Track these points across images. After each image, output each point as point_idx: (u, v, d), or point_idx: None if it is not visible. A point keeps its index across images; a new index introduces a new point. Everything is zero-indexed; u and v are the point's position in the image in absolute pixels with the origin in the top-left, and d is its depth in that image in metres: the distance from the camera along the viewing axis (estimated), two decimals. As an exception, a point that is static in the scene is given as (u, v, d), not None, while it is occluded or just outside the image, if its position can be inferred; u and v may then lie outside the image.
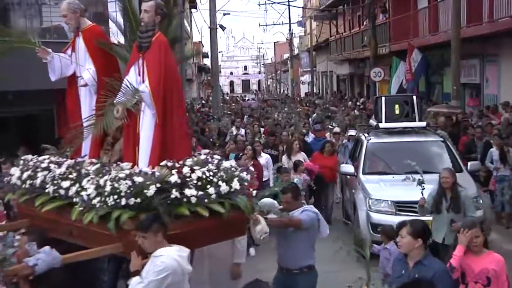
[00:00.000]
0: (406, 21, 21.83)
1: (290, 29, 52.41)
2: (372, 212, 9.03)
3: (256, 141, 12.15)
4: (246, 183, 4.99)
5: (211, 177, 4.73)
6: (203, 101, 38.84)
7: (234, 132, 14.96)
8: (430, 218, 7.55)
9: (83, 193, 4.63)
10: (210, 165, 4.87)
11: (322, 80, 47.53)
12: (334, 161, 11.40)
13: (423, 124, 10.74)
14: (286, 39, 55.90)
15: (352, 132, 13.20)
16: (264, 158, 11.01)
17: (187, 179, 4.63)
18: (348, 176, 10.52)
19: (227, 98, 48.64)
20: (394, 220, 7.63)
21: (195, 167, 4.74)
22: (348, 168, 10.43)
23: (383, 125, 10.70)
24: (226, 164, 5.00)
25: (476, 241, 4.99)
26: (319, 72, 46.65)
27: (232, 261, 6.18)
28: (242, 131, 15.42)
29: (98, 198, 4.52)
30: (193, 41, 45.74)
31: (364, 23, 27.40)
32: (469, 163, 9.83)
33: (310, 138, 13.58)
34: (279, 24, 54.06)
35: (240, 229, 5.25)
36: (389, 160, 10.09)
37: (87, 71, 5.56)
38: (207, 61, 50.72)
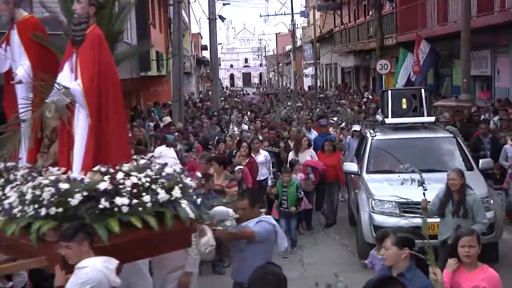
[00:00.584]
0: (413, 10, 21.35)
1: (292, 20, 51.70)
2: (375, 214, 8.50)
3: (254, 137, 11.70)
4: (191, 190, 4.71)
5: (148, 184, 4.38)
6: (201, 96, 38.25)
7: (235, 130, 14.29)
8: (438, 220, 7.25)
9: (6, 201, 4.34)
10: (149, 170, 4.52)
11: (326, 73, 46.98)
12: (337, 159, 11.01)
13: (432, 119, 10.27)
14: (289, 30, 55.27)
15: (356, 128, 12.72)
16: (262, 156, 10.72)
17: (120, 186, 4.27)
18: (353, 176, 10.04)
19: (228, 92, 48.14)
20: (398, 222, 7.30)
21: (132, 173, 4.39)
22: (351, 166, 9.97)
23: (389, 120, 10.26)
24: (168, 169, 4.65)
25: (469, 252, 4.52)
26: (323, 64, 46.11)
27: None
28: (245, 127, 14.78)
29: (20, 207, 4.23)
30: (192, 33, 45.11)
31: (370, 13, 26.91)
32: (480, 161, 9.34)
33: (312, 134, 13.04)
34: (281, 14, 53.54)
35: (185, 241, 4.88)
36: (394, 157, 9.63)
37: (22, 67, 5.19)
38: (206, 54, 50.11)
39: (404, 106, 10.27)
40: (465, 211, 6.87)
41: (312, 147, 11.42)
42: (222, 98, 32.42)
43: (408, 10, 22.04)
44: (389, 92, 10.76)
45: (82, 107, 4.62)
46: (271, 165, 10.92)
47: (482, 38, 16.38)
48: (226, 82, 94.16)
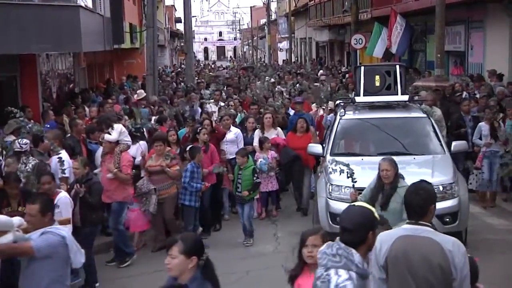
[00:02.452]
0: (389, -15, 21.17)
1: (267, -7, 51.34)
2: (331, 200, 7.88)
3: (225, 113, 11.16)
4: None
5: None
6: (179, 69, 37.57)
7: (213, 108, 13.48)
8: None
9: None
10: None
11: (300, 47, 46.83)
12: (309, 140, 9.99)
13: (406, 97, 9.61)
14: (263, 3, 54.84)
15: (331, 105, 12.18)
16: (233, 133, 10.33)
17: None
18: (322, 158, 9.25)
19: (201, 66, 47.53)
20: None
21: None
22: (315, 148, 9.21)
23: (360, 99, 9.63)
24: None
25: (312, 252, 4.05)
26: (297, 38, 45.92)
27: None
28: (221, 104, 13.92)
29: None
30: (165, 5, 44.46)
31: (345, -13, 26.68)
32: (453, 144, 8.78)
33: (292, 112, 12.37)
34: (256, -12, 52.81)
35: None
36: (362, 139, 9.20)
37: None
38: (180, 26, 49.50)
39: (377, 84, 9.67)
40: (395, 205, 6.20)
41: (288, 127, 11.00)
42: (196, 72, 32.05)
43: (383, -16, 21.97)
44: (362, 68, 10.12)
45: None
46: (242, 143, 10.34)
47: (456, 14, 16.42)
48: (200, 56, 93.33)
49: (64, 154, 7.79)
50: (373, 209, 3.77)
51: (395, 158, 8.09)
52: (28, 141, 7.85)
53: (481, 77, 14.95)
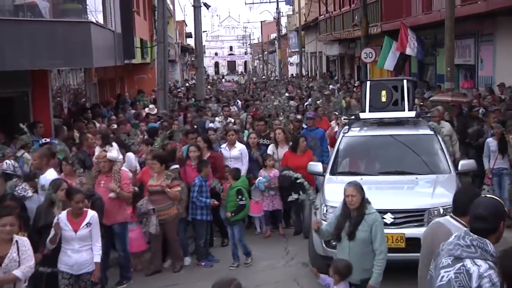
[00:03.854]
0: (398, -1, 21.23)
1: (277, 8, 51.67)
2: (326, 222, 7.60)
3: (229, 128, 10.92)
4: None
5: None
6: (187, 84, 37.70)
7: (219, 123, 13.10)
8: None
9: None
10: None
11: (311, 61, 46.91)
12: (309, 159, 9.55)
13: (412, 114, 9.25)
14: (274, 18, 55.11)
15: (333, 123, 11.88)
16: (237, 150, 10.06)
17: None
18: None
19: (211, 80, 47.74)
20: None
21: None
22: (315, 167, 8.80)
23: (364, 115, 9.30)
24: None
25: None
26: (307, 52, 46.03)
27: None
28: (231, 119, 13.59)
29: None
30: (176, 20, 44.81)
31: (355, 1, 26.79)
32: (460, 162, 8.40)
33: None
34: (266, 2, 52.82)
35: None
36: (364, 157, 8.86)
37: None
38: (190, 41, 49.87)
39: (384, 99, 9.35)
40: (363, 234, 5.75)
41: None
42: (209, 87, 32.16)
43: (393, -2, 22.03)
44: (368, 83, 9.78)
45: None
46: (247, 159, 10.07)
47: (466, 27, 16.42)
48: (211, 70, 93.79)
49: (51, 173, 7.52)
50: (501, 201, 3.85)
51: (397, 177, 8.06)
52: (16, 164, 7.77)
53: (492, 91, 14.90)
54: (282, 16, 56.50)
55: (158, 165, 8.37)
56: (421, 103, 14.13)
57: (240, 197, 8.42)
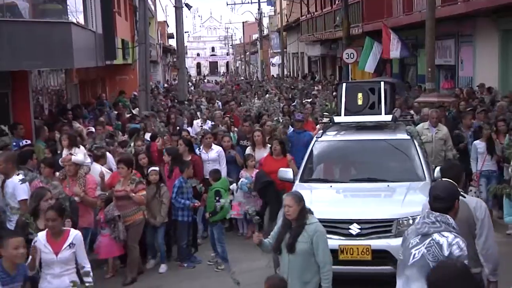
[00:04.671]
0: (379, 0, 21.36)
1: (259, 8, 51.61)
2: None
3: (206, 132, 10.67)
4: None
5: None
6: (166, 85, 37.40)
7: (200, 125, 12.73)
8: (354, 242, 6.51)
9: None
10: None
11: (293, 61, 47.01)
12: (285, 164, 9.23)
13: (389, 117, 8.71)
14: (255, 18, 55.06)
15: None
16: (215, 152, 9.96)
17: None
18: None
19: (194, 81, 47.62)
20: None
21: None
22: (286, 173, 8.35)
23: (339, 119, 8.87)
24: None
25: None
26: (289, 53, 46.13)
27: None
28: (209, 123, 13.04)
29: None
30: (158, 21, 44.61)
31: (336, 2, 26.90)
32: (436, 169, 7.66)
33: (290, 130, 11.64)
34: (248, 3, 52.79)
35: None
36: (335, 164, 8.56)
37: None
38: (172, 42, 49.65)
39: (360, 102, 8.88)
40: (303, 245, 5.40)
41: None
42: (192, 88, 31.99)
43: (374, -1, 22.17)
44: (343, 85, 9.26)
45: None
46: (225, 161, 9.97)
47: (446, 28, 16.57)
48: (193, 71, 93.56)
49: (17, 178, 6.98)
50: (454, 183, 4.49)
51: (368, 185, 7.73)
52: None
53: (472, 91, 15.05)
54: (264, 17, 56.54)
55: (125, 169, 8.16)
56: (408, 106, 13.83)
57: (217, 198, 8.32)
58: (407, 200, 7.14)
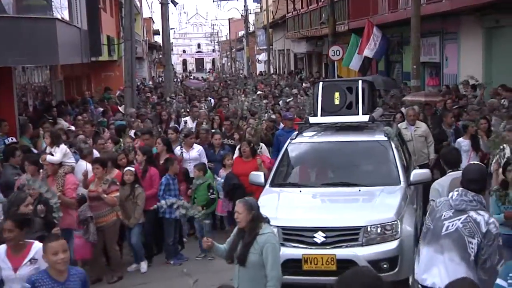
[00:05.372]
0: (365, -3, 21.43)
1: (245, 5, 51.64)
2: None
3: (189, 131, 10.48)
4: None
5: None
6: (150, 82, 37.14)
7: (189, 124, 12.68)
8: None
9: None
10: None
11: (279, 58, 47.03)
12: (254, 166, 8.86)
13: (366, 118, 8.36)
14: (241, 15, 55.05)
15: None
16: (195, 151, 9.84)
17: None
18: None
19: (180, 78, 47.44)
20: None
21: None
22: (256, 176, 7.91)
23: (314, 119, 8.53)
24: None
25: None
26: (275, 50, 46.13)
27: None
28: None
29: None
30: (143, 17, 44.44)
31: (322, -1, 26.90)
32: (413, 172, 7.53)
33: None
34: None
35: None
36: (307, 167, 8.23)
37: None
38: (158, 39, 49.51)
39: (337, 102, 8.49)
40: (254, 257, 5.03)
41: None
42: (178, 85, 31.81)
43: (359, -4, 22.22)
44: (320, 84, 8.85)
45: None
46: (206, 160, 9.81)
47: (431, 25, 16.66)
48: (178, 68, 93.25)
49: None
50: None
51: (339, 189, 7.40)
52: None
53: (457, 88, 15.15)
54: (250, 13, 56.52)
55: (101, 169, 8.10)
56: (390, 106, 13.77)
57: (211, 191, 8.48)
58: (376, 207, 6.82)
